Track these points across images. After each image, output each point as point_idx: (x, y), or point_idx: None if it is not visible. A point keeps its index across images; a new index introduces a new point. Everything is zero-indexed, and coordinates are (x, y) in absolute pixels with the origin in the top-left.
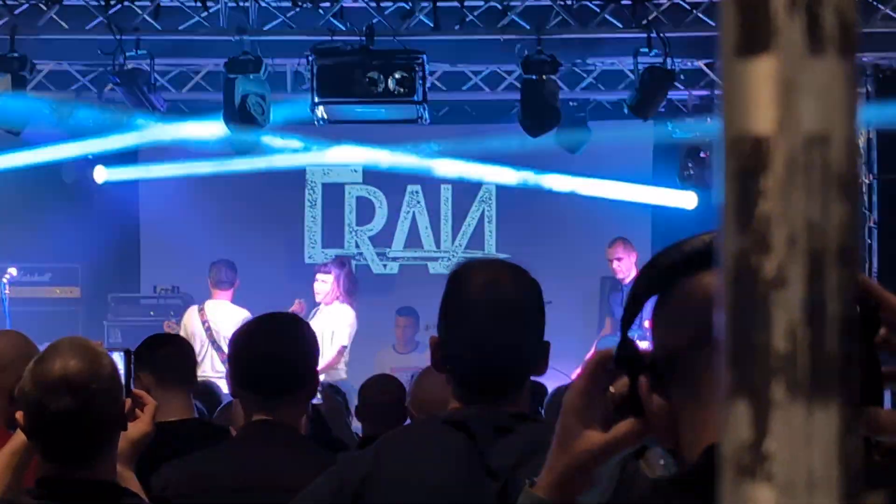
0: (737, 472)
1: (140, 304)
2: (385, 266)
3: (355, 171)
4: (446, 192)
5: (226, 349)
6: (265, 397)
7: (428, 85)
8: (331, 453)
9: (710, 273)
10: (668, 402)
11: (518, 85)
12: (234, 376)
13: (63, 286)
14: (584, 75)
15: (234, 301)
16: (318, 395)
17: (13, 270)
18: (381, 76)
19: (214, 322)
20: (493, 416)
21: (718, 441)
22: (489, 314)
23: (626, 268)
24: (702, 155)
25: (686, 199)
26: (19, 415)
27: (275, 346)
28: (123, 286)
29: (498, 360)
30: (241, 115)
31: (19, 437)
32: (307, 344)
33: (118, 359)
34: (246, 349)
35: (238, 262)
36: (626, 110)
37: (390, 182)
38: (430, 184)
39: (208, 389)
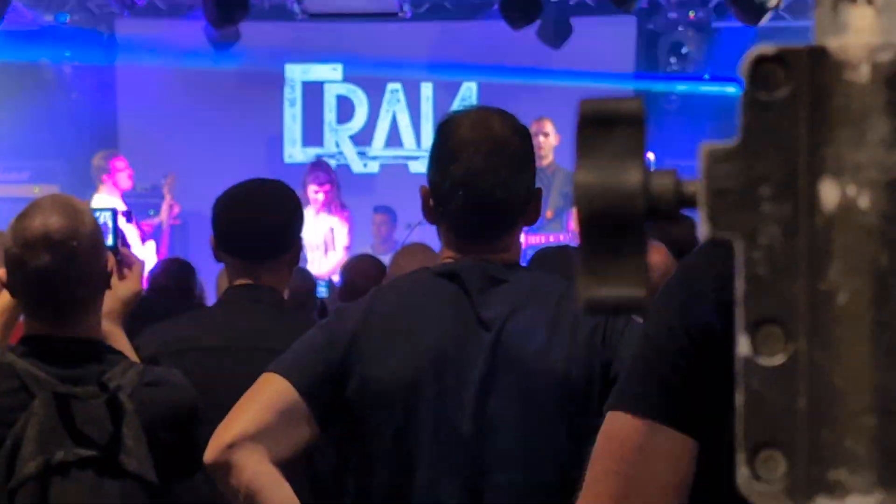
0: None
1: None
2: (365, 165)
3: (335, 69)
4: (427, 91)
5: None
6: (248, 261)
7: None
8: (313, 317)
9: None
10: None
11: None
12: (216, 239)
13: (42, 184)
14: None
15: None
16: (326, 291)
17: None
18: None
19: None
20: (486, 267)
21: None
22: (479, 152)
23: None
24: (683, 50)
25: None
26: (2, 272)
27: (257, 209)
28: None
29: (490, 197)
30: (219, 11)
31: (5, 296)
32: (290, 209)
33: (105, 218)
34: (228, 213)
35: (217, 161)
36: (608, 5)
37: (370, 81)
38: (410, 82)
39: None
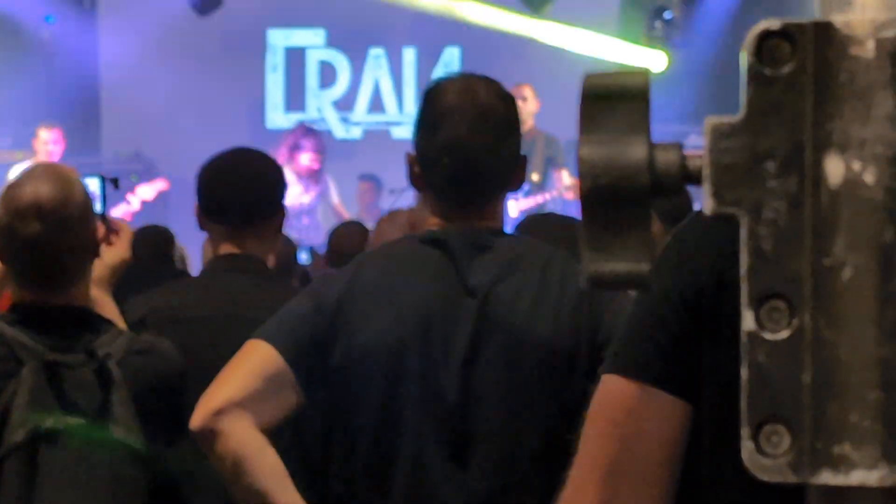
0: None
1: (102, 169)
2: (348, 131)
3: (317, 34)
4: (409, 56)
5: None
6: (233, 228)
7: None
8: (298, 286)
9: None
10: None
11: None
12: (201, 207)
13: (25, 150)
14: None
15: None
16: (307, 258)
17: None
18: None
19: None
20: (471, 233)
21: None
22: (465, 119)
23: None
24: (668, 16)
25: (654, 60)
26: None
27: (242, 176)
28: (85, 150)
29: (475, 164)
30: None
31: None
32: (274, 175)
33: (94, 185)
34: (213, 180)
35: (199, 126)
36: None
37: (353, 46)
38: (393, 47)
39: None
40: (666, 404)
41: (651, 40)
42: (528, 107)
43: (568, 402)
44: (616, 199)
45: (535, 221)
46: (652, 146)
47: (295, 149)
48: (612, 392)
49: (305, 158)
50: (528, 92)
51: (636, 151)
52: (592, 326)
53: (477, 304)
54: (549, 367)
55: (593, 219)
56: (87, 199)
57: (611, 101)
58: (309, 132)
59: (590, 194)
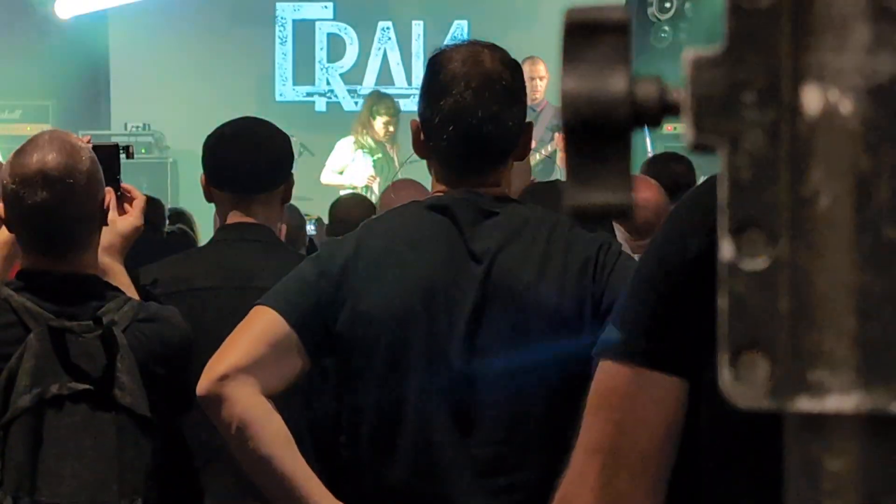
0: None
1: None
2: (356, 103)
3: (326, 7)
4: (418, 29)
5: None
6: (239, 196)
7: None
8: (303, 254)
9: None
10: None
11: None
12: (207, 176)
13: (34, 123)
14: None
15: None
16: (314, 227)
17: None
18: None
19: None
20: (476, 200)
21: None
22: (471, 86)
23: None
24: None
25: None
26: (0, 207)
27: (248, 142)
28: (94, 123)
29: (480, 131)
30: None
31: (4, 232)
32: (280, 144)
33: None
34: (218, 147)
35: (208, 98)
36: None
37: (361, 19)
38: (401, 20)
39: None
40: (662, 385)
41: (657, 11)
42: (545, 84)
43: (572, 368)
44: (597, 132)
45: (540, 189)
46: (632, 79)
47: (373, 114)
48: (609, 378)
49: (380, 123)
50: (543, 69)
51: (617, 83)
52: (597, 291)
53: (482, 270)
54: (553, 331)
55: (575, 152)
56: (93, 166)
57: (591, 34)
58: (382, 97)
59: (571, 127)
